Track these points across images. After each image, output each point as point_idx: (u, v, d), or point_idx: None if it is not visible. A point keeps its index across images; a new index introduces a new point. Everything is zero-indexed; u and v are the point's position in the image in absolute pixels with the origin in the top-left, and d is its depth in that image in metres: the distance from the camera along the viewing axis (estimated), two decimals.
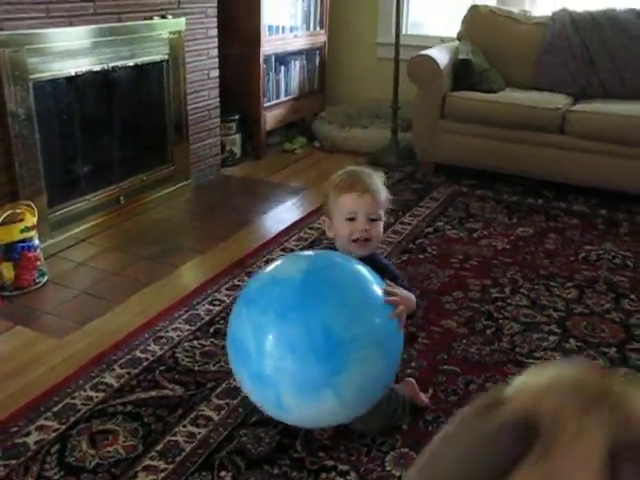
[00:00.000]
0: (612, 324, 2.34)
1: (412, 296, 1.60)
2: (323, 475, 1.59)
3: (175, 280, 2.58)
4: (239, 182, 3.75)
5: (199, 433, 1.73)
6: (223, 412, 1.81)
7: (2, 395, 1.87)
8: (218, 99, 3.61)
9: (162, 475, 1.58)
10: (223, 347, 2.06)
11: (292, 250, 2.81)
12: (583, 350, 2.17)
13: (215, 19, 3.45)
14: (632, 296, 2.53)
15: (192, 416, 1.79)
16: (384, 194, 1.68)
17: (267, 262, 2.68)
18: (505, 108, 3.63)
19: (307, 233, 3.01)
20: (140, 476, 1.58)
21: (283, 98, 4.19)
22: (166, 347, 2.10)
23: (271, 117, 4.08)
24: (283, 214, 3.28)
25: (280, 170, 3.92)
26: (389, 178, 3.64)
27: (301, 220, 3.18)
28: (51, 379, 1.92)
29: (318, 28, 4.41)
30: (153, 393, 1.87)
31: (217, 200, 3.42)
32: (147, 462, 1.62)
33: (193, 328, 2.21)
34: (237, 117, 3.87)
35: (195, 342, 2.13)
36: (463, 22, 4.22)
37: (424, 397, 1.82)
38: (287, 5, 4.10)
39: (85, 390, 1.87)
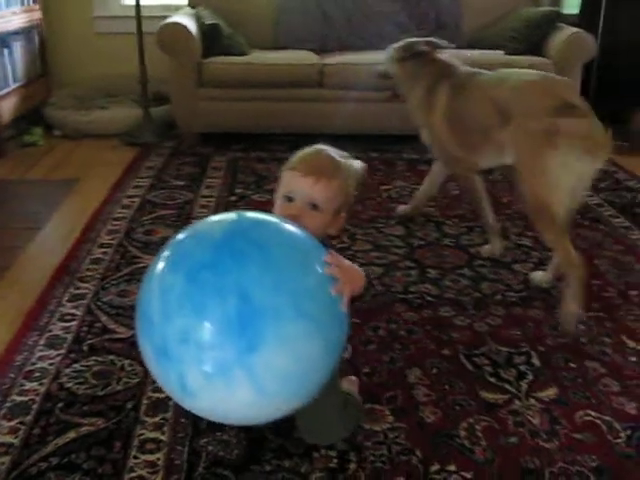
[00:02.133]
0: (450, 249, 2.56)
1: (360, 272, 1.34)
2: (316, 454, 1.50)
3: None
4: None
5: (158, 459, 1.49)
6: (166, 428, 1.59)
7: None
8: None
9: None
10: (112, 362, 1.82)
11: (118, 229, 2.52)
12: (443, 277, 2.34)
13: None
14: (448, 222, 2.78)
15: (136, 444, 1.54)
16: (340, 185, 1.39)
17: (93, 261, 2.38)
18: (264, 69, 3.66)
19: (116, 221, 2.72)
20: None
21: (13, 86, 3.66)
22: (46, 381, 1.75)
23: (5, 109, 3.54)
24: (74, 209, 2.91)
25: (34, 167, 3.45)
26: (158, 156, 3.56)
27: (99, 210, 2.85)
28: None
29: (32, 2, 3.90)
30: (72, 435, 1.56)
31: None
32: None
33: (63, 351, 1.87)
34: None
35: (76, 365, 1.82)
36: None
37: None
38: None
39: None
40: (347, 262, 1.32)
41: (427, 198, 2.79)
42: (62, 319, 2.04)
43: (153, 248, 2.47)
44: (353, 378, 1.72)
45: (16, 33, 3.70)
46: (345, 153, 1.47)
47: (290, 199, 1.38)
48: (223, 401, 1.18)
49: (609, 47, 3.95)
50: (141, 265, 2.36)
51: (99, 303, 2.12)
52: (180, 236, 1.27)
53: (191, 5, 4.05)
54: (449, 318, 2.07)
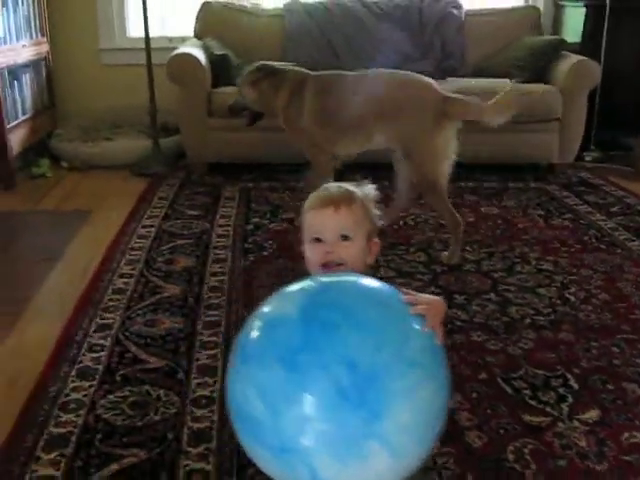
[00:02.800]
0: (473, 275, 2.57)
1: (439, 300, 1.27)
2: None
3: (24, 337, 2.12)
4: (6, 217, 3.18)
5: None
6: (212, 459, 1.56)
7: None
8: None
9: None
10: (147, 392, 1.80)
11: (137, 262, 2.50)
12: (469, 302, 2.34)
13: None
14: (468, 248, 2.79)
15: (182, 475, 1.51)
16: (361, 208, 1.36)
17: (115, 292, 2.36)
18: None
19: (134, 251, 2.70)
20: None
21: (21, 118, 3.65)
22: (82, 412, 1.72)
23: (14, 141, 3.53)
24: (89, 239, 2.89)
25: (44, 198, 3.43)
26: (169, 186, 3.55)
27: (115, 241, 2.83)
28: None
29: (40, 36, 3.92)
30: (115, 467, 1.53)
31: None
32: None
33: (95, 382, 1.85)
34: None
35: (111, 396, 1.79)
36: (197, 19, 4.14)
37: None
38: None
39: None
40: (420, 294, 1.27)
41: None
42: (91, 350, 2.01)
43: (176, 277, 2.46)
44: None
45: (25, 66, 3.71)
46: (352, 183, 1.43)
47: (318, 240, 1.33)
48: (360, 477, 1.10)
49: (611, 75, 4.01)
50: (165, 295, 2.34)
51: (127, 333, 2.10)
52: (251, 330, 1.17)
53: (197, 37, 4.09)
54: (481, 342, 2.07)
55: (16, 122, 3.58)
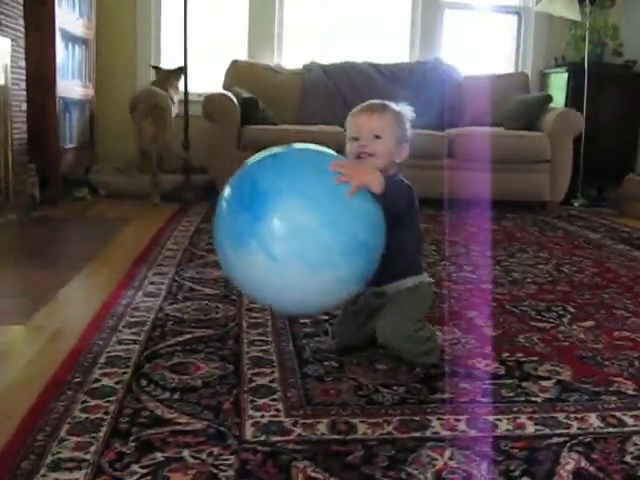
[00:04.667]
0: (478, 257, 2.91)
1: (372, 170, 1.54)
2: None
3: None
4: (62, 221, 3.52)
5: (268, 350, 1.75)
6: (269, 335, 1.84)
7: None
8: (26, 135, 3.42)
9: None
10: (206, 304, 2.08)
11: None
12: (476, 270, 2.67)
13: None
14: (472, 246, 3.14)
15: (246, 342, 1.79)
16: (393, 117, 1.68)
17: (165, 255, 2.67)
18: (296, 134, 4.11)
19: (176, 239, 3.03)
20: None
21: (69, 145, 4.07)
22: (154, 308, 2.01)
23: (64, 161, 3.93)
24: (133, 233, 3.22)
25: (86, 211, 3.79)
26: (201, 208, 3.91)
27: (160, 231, 3.17)
28: None
29: (87, 81, 4.41)
30: (188, 336, 1.81)
31: (59, 233, 3.21)
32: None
33: (161, 296, 2.13)
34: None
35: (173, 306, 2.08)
36: (226, 75, 4.66)
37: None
38: (60, 52, 4.04)
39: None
40: (362, 164, 1.59)
41: None
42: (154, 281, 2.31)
43: None
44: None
45: (75, 102, 4.16)
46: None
47: (356, 138, 1.65)
48: (249, 271, 1.45)
49: (594, 129, 4.52)
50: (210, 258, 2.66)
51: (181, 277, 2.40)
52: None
53: (225, 88, 4.59)
54: (490, 290, 2.39)
55: (66, 146, 3.98)
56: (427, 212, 3.77)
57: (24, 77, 3.36)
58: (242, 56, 4.86)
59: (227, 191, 1.52)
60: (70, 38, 3.98)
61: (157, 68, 4.50)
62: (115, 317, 1.92)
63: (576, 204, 4.56)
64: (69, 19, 3.93)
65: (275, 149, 1.57)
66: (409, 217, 1.69)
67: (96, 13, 4.47)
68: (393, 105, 1.74)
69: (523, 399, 1.49)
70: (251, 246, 1.41)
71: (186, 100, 4.30)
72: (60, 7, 3.74)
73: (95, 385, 1.46)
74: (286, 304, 1.54)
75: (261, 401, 1.42)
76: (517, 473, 1.18)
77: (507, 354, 1.75)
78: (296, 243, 1.41)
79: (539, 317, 2.08)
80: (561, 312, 2.14)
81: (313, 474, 1.15)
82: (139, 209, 3.90)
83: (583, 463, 1.22)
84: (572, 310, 2.16)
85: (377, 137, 1.64)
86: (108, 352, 1.66)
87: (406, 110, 1.77)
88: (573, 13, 4.56)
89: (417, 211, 1.71)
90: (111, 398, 1.40)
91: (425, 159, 3.92)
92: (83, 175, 4.38)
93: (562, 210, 4.32)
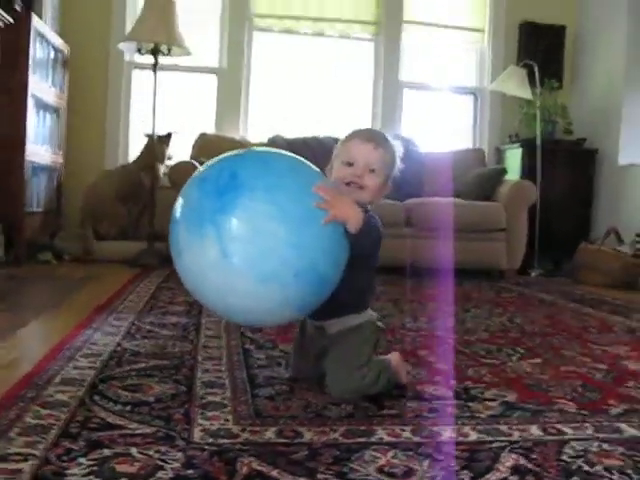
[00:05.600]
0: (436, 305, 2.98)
1: (353, 205, 1.51)
2: None
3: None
4: (27, 278, 3.52)
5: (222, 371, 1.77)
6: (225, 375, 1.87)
7: None
8: None
9: None
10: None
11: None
12: (434, 319, 2.74)
13: None
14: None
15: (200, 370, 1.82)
16: (391, 156, 1.66)
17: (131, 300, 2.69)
18: None
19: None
20: None
21: (36, 209, 4.13)
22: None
23: (28, 225, 3.97)
24: (96, 288, 3.24)
25: (52, 272, 3.80)
26: (163, 270, 3.94)
27: (123, 288, 3.19)
28: None
29: (57, 149, 4.51)
30: (142, 365, 1.83)
31: (24, 287, 3.21)
32: None
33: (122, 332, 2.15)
34: None
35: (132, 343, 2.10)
36: (194, 147, 4.81)
37: (404, 375, 1.76)
38: (32, 117, 4.13)
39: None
40: (348, 198, 1.53)
41: None
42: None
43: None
44: (396, 354, 1.80)
45: (43, 168, 4.24)
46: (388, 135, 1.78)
47: (350, 164, 1.62)
48: (198, 260, 1.40)
49: (547, 202, 4.72)
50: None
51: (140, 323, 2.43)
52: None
53: (193, 159, 4.72)
54: (440, 336, 2.45)
55: (31, 210, 4.03)
56: (386, 278, 3.84)
57: None
58: (210, 129, 5.03)
59: (205, 170, 1.48)
60: (42, 105, 4.11)
61: (150, 136, 4.56)
62: (72, 349, 1.94)
63: (533, 274, 4.69)
64: (42, 87, 4.07)
65: (275, 150, 1.60)
66: (369, 256, 1.66)
67: (68, 84, 4.63)
68: (391, 140, 1.72)
69: (468, 414, 1.54)
70: (208, 235, 1.36)
71: (154, 170, 4.40)
72: (34, 74, 3.88)
73: (48, 399, 1.48)
74: (221, 305, 1.47)
75: (211, 413, 1.45)
76: (457, 468, 1.22)
77: (456, 382, 1.80)
78: (254, 249, 1.37)
79: (489, 356, 2.14)
80: (510, 352, 2.20)
81: (258, 467, 1.17)
82: (103, 270, 3.93)
83: (522, 461, 1.26)
84: (521, 351, 2.23)
85: (372, 171, 1.63)
86: (63, 375, 1.67)
87: (399, 147, 1.73)
88: (525, 92, 4.85)
89: (378, 252, 1.68)
90: (64, 409, 1.41)
91: (384, 227, 4.03)
92: (48, 240, 4.41)
93: (519, 279, 4.44)
